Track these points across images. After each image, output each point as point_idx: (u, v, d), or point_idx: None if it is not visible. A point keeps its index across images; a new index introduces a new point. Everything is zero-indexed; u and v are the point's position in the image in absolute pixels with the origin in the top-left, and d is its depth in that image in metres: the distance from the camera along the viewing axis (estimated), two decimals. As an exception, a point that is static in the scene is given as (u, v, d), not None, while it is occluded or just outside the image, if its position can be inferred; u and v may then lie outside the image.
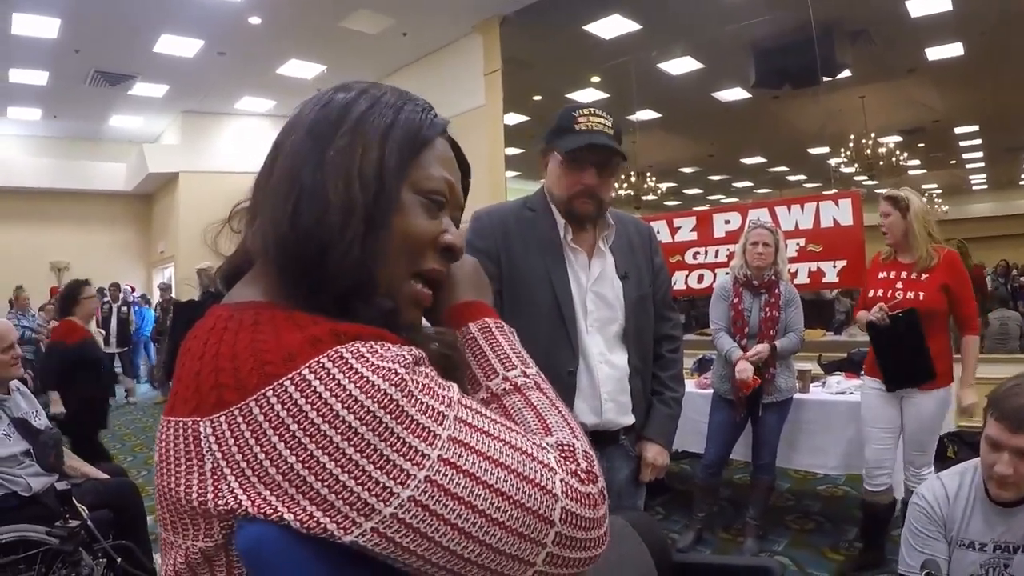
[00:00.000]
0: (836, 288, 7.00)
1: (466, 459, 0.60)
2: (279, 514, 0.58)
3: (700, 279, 6.18)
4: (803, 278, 5.55)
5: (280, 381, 0.60)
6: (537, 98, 9.86)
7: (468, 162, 0.87)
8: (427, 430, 0.60)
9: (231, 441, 0.61)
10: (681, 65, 8.84)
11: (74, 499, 3.04)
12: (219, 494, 0.61)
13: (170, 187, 15.18)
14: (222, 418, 0.61)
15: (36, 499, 2.95)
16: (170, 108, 13.55)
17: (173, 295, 10.98)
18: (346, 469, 0.58)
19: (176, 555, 0.67)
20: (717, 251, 6.12)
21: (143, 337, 11.55)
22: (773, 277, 3.91)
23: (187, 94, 12.55)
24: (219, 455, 0.61)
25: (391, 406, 0.59)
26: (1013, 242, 8.11)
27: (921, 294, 3.32)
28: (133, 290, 12.85)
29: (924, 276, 3.33)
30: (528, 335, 1.90)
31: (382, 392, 0.59)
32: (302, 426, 0.58)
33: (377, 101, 0.76)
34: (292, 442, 0.58)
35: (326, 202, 0.70)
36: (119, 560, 2.95)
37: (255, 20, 9.24)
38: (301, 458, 0.58)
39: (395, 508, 0.57)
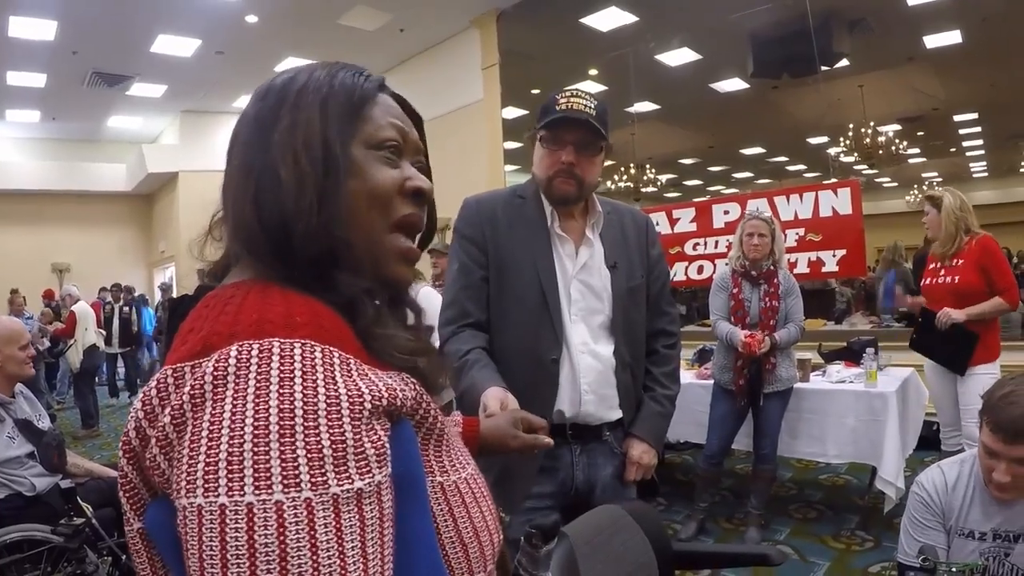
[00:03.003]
0: (835, 277, 7.00)
1: (266, 533, 0.54)
2: (158, 463, 0.61)
3: (700, 270, 6.20)
4: (803, 267, 5.56)
5: (211, 355, 0.61)
6: (535, 91, 9.85)
7: (419, 114, 0.88)
8: (266, 477, 0.55)
9: (154, 397, 0.63)
10: (679, 56, 8.82)
11: (78, 498, 3.05)
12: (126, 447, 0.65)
13: (170, 187, 15.21)
14: (155, 378, 0.64)
15: (40, 499, 2.97)
16: (169, 108, 13.57)
17: (174, 294, 10.98)
18: (193, 448, 0.58)
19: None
20: (717, 242, 6.13)
21: (146, 337, 11.58)
22: (772, 267, 3.92)
23: (185, 94, 12.57)
24: (141, 412, 0.63)
25: (260, 433, 0.56)
26: (1014, 230, 8.10)
27: (956, 277, 3.75)
28: (133, 291, 12.85)
29: (959, 261, 3.76)
30: (514, 322, 1.94)
31: (264, 417, 0.57)
32: (193, 396, 0.59)
33: (311, 76, 0.78)
34: (177, 407, 0.60)
35: (279, 181, 0.72)
36: (124, 558, 2.97)
37: (252, 19, 9.23)
38: (176, 424, 0.60)
39: (186, 503, 0.57)
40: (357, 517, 0.58)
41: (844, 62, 7.73)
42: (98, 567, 2.84)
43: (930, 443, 4.37)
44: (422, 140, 0.87)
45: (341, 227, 0.73)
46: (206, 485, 0.56)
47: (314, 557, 0.55)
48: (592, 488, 1.98)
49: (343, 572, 0.56)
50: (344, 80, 0.79)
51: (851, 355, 4.65)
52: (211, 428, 0.57)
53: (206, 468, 0.56)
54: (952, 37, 7.38)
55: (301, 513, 0.55)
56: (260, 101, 0.79)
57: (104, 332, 9.67)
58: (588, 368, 1.93)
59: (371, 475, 0.60)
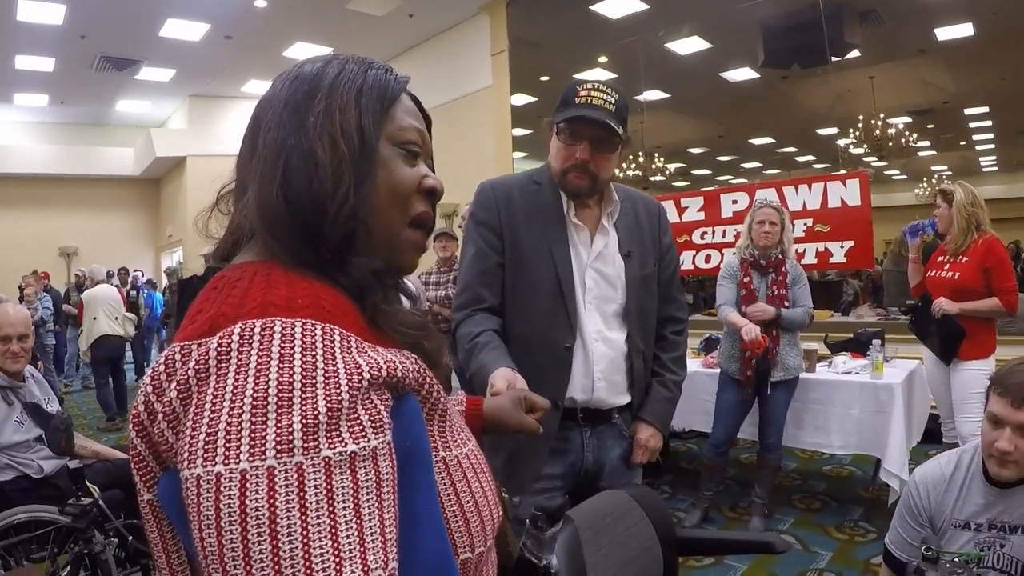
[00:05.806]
0: (843, 268, 6.99)
1: (257, 497, 0.56)
2: (165, 437, 0.64)
3: (707, 259, 6.18)
4: (810, 258, 5.54)
5: (217, 333, 0.63)
6: (544, 78, 9.84)
7: (430, 116, 0.91)
8: (261, 444, 0.57)
9: (162, 372, 0.65)
10: (689, 45, 8.79)
11: (86, 480, 3.07)
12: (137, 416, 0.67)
13: (178, 171, 15.26)
14: (164, 354, 0.66)
15: (48, 480, 2.99)
16: (177, 92, 13.57)
17: (180, 277, 10.91)
18: (196, 420, 0.60)
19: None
20: (724, 231, 6.11)
21: (155, 322, 11.56)
22: (779, 256, 3.92)
23: (194, 78, 12.55)
24: (150, 387, 0.66)
25: (259, 404, 0.58)
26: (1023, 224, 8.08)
27: (958, 273, 3.78)
28: (143, 274, 12.84)
29: (964, 259, 3.76)
30: (528, 308, 1.95)
31: (264, 389, 0.59)
32: (197, 370, 0.61)
33: (343, 67, 0.81)
34: (183, 381, 0.62)
35: (315, 162, 0.74)
36: (130, 539, 2.99)
37: (261, 3, 9.21)
38: (182, 397, 0.62)
39: (188, 474, 0.58)
40: (350, 479, 0.59)
41: (855, 53, 7.70)
42: (105, 547, 2.86)
43: (935, 436, 4.37)
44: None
45: (367, 213, 0.76)
46: (205, 455, 0.57)
47: (303, 518, 0.56)
48: (601, 469, 2.01)
49: (333, 531, 0.57)
50: (377, 76, 0.82)
51: (857, 346, 4.63)
52: (213, 400, 0.59)
53: (206, 439, 0.58)
54: (964, 30, 7.34)
55: (291, 476, 0.57)
56: (290, 84, 0.80)
57: (135, 317, 9.30)
58: (601, 356, 1.95)
59: (366, 439, 0.61)
